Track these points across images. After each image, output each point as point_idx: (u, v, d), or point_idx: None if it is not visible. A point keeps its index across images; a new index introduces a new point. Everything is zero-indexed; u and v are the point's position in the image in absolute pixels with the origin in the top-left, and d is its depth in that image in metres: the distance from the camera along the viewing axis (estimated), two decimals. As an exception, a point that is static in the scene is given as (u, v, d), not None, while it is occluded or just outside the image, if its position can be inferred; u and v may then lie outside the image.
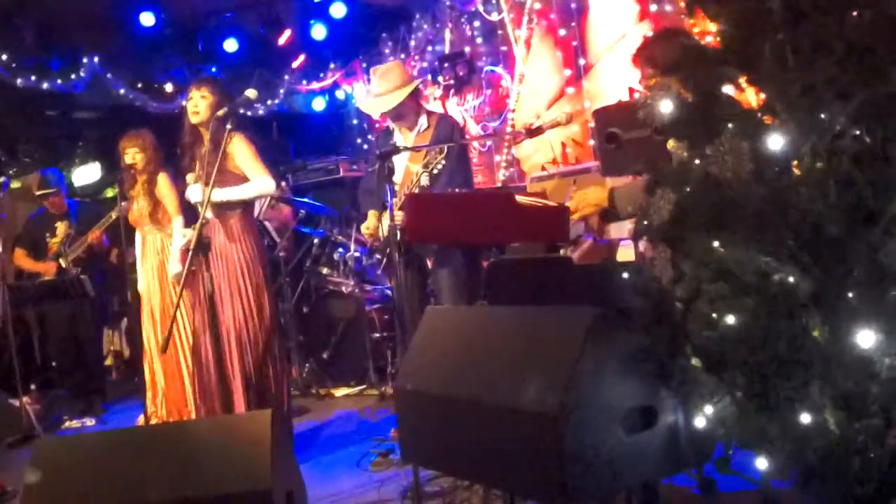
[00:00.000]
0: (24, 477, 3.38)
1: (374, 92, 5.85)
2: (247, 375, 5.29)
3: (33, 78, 9.44)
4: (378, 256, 5.95)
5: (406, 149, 5.44)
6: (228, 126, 4.80)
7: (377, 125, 11.27)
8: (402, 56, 10.54)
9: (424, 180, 5.36)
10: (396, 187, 5.53)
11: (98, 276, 7.79)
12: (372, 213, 5.83)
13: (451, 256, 5.50)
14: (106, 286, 7.91)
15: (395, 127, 5.87)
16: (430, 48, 10.40)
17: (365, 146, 11.55)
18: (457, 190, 5.46)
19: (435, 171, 5.23)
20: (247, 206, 5.54)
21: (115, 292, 8.43)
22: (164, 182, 6.59)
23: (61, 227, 7.86)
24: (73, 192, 8.99)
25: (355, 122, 11.95)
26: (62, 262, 7.70)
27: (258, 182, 5.40)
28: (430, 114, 5.92)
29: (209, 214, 5.33)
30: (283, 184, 10.13)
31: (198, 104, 5.41)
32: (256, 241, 5.55)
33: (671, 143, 3.74)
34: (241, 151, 5.38)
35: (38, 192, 8.02)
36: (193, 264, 4.63)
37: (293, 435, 5.66)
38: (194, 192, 5.35)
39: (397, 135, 5.85)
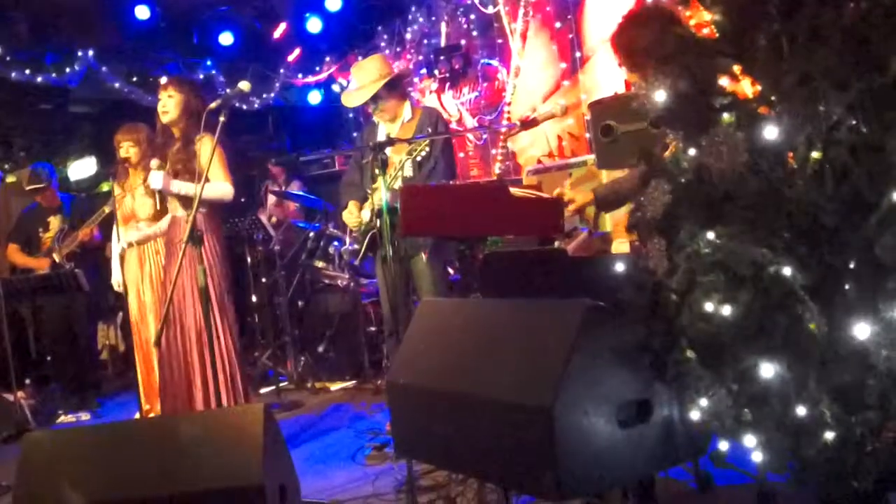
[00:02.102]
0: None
1: (353, 85, 5.88)
2: (205, 372, 5.33)
3: (27, 72, 9.41)
4: (356, 246, 5.93)
5: (399, 140, 5.42)
6: (222, 118, 4.77)
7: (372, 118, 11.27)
8: (398, 49, 10.53)
9: (409, 171, 5.35)
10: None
11: (92, 270, 7.76)
12: (353, 203, 5.80)
13: (444, 249, 5.49)
14: (100, 281, 7.88)
15: (378, 119, 5.87)
16: (425, 41, 10.38)
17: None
18: (440, 181, 5.46)
19: (418, 159, 5.24)
20: (213, 206, 5.55)
21: (110, 287, 8.39)
22: None
23: (54, 222, 7.84)
24: (68, 187, 8.95)
25: (351, 115, 11.91)
26: (55, 257, 7.67)
27: (218, 186, 5.46)
28: (414, 106, 5.92)
29: (179, 213, 5.57)
30: (297, 183, 10.14)
31: (166, 104, 5.50)
32: (220, 242, 5.63)
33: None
34: (207, 153, 5.40)
35: (28, 188, 7.99)
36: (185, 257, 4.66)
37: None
38: (155, 179, 5.35)
39: (381, 127, 5.85)
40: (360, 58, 10.78)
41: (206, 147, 5.37)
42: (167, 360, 5.49)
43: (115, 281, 6.70)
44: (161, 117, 5.55)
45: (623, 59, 4.03)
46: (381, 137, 5.72)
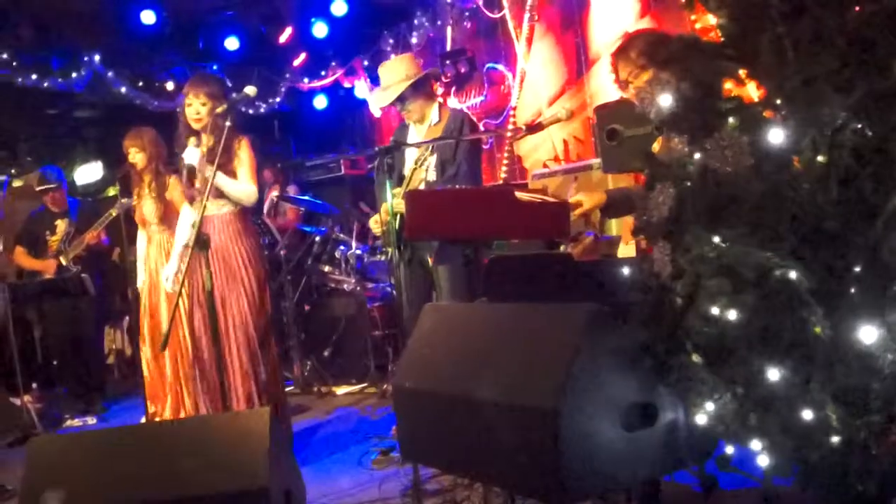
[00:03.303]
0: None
1: (381, 85, 5.84)
2: (245, 373, 5.32)
3: (33, 76, 9.42)
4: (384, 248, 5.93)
5: (403, 144, 5.42)
6: (227, 123, 4.78)
7: (378, 123, 11.28)
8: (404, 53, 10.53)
9: (432, 175, 5.33)
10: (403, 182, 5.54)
11: (98, 274, 7.78)
12: (385, 206, 5.80)
13: (450, 253, 5.49)
14: (106, 284, 7.90)
15: (406, 120, 5.84)
16: (431, 46, 10.38)
17: (366, 143, 11.57)
18: (463, 186, 5.44)
19: (425, 168, 5.22)
20: (244, 206, 5.56)
21: (117, 290, 8.41)
22: (175, 185, 6.54)
23: (61, 225, 7.86)
24: (74, 191, 8.98)
25: (356, 119, 11.93)
26: (62, 260, 7.69)
27: (244, 186, 5.46)
28: (442, 108, 5.87)
29: (210, 212, 5.43)
30: (294, 187, 10.14)
31: (199, 111, 5.46)
32: (256, 241, 5.63)
33: (657, 144, 3.74)
34: (244, 155, 5.44)
35: (38, 188, 8.02)
36: (192, 261, 4.67)
37: (292, 433, 5.66)
38: (191, 154, 5.34)
39: (411, 128, 5.82)
40: (366, 62, 10.83)
41: (244, 148, 5.42)
42: (204, 364, 5.49)
43: (143, 281, 6.67)
44: (193, 125, 5.52)
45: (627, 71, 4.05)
46: (410, 139, 5.70)
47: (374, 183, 6.16)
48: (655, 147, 3.72)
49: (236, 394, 5.30)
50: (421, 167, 5.33)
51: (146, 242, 6.63)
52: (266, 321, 5.48)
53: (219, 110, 5.01)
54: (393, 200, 5.22)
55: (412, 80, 5.63)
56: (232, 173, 5.41)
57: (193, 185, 5.42)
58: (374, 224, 5.79)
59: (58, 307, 7.85)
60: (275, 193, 9.59)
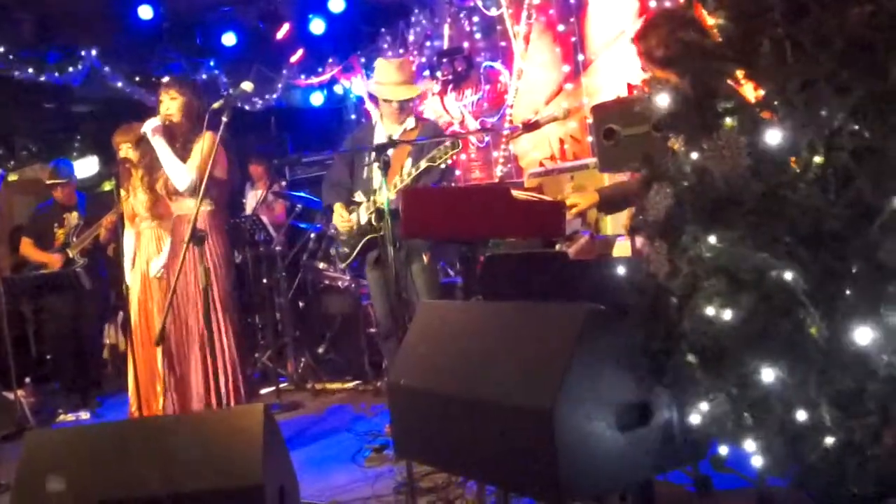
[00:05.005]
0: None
1: (395, 79, 5.83)
2: (207, 372, 5.33)
3: (31, 71, 9.44)
4: (346, 250, 5.91)
5: (402, 142, 5.41)
6: (224, 118, 4.77)
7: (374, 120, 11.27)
8: (401, 51, 10.53)
9: (407, 179, 5.31)
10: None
11: (102, 269, 7.77)
12: (340, 206, 5.80)
13: (442, 251, 5.51)
14: (110, 278, 7.89)
15: (383, 120, 5.87)
16: (428, 43, 10.39)
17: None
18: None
19: (443, 166, 5.23)
20: (217, 206, 5.64)
21: (112, 286, 8.37)
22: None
23: (70, 218, 7.84)
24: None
25: (353, 116, 11.93)
26: (69, 252, 7.67)
27: (180, 166, 5.58)
28: (419, 118, 5.99)
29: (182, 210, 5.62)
30: (282, 182, 10.11)
31: (169, 107, 5.51)
32: (224, 242, 5.70)
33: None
34: (202, 146, 5.40)
35: (48, 182, 8.01)
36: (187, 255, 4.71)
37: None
38: (149, 123, 5.57)
39: (380, 128, 5.85)
40: (362, 59, 10.83)
41: (203, 141, 5.36)
42: (172, 360, 5.52)
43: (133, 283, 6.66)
44: (164, 120, 5.55)
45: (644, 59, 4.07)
46: (377, 139, 5.72)
47: (330, 180, 6.13)
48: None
49: (193, 393, 5.52)
50: (421, 170, 5.32)
51: (135, 238, 6.62)
52: (221, 325, 5.55)
53: (215, 106, 4.99)
54: (377, 197, 5.25)
55: (419, 90, 5.76)
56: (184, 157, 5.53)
57: (147, 156, 5.47)
58: (341, 221, 5.77)
59: (60, 301, 7.83)
60: (274, 189, 9.57)
